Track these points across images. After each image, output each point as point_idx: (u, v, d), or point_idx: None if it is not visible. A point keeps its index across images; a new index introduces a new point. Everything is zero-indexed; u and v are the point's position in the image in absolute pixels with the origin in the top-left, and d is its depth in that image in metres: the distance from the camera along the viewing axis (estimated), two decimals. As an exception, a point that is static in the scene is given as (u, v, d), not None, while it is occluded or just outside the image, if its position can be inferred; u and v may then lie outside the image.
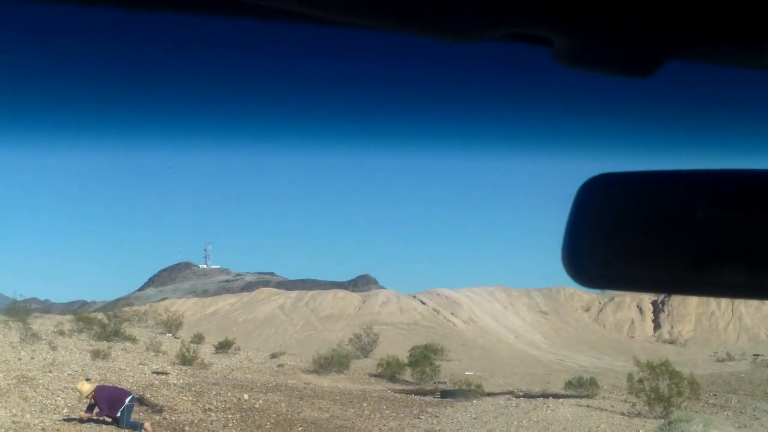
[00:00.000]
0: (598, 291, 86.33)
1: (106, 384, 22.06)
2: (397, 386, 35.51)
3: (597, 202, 1.66)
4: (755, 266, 1.53)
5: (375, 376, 38.86)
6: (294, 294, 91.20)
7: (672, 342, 72.76)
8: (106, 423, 19.94)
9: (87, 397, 19.63)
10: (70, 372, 28.24)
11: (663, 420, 23.95)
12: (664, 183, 1.66)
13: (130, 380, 26.27)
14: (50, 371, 27.87)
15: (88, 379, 21.25)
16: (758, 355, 54.37)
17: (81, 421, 19.73)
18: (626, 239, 1.67)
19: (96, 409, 19.44)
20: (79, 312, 69.16)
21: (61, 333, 43.80)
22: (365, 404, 27.60)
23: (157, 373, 31.08)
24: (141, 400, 22.40)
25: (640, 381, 28.32)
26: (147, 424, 19.87)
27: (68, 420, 20.40)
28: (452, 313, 79.23)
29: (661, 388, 27.25)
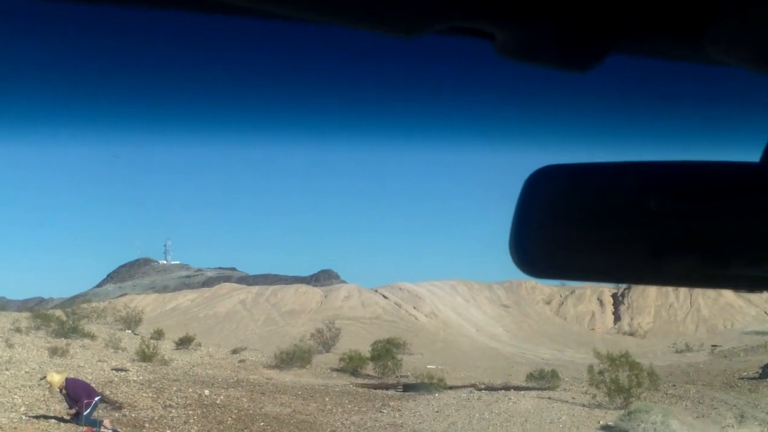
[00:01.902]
0: (549, 282, 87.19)
1: (75, 377, 21.79)
2: (360, 380, 35.50)
3: (543, 194, 1.67)
4: (706, 255, 1.54)
5: (337, 370, 38.81)
6: (255, 289, 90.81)
7: (632, 334, 73.54)
8: (64, 420, 19.70)
9: (59, 388, 19.42)
10: (27, 369, 27.88)
11: (623, 411, 24.20)
12: (608, 174, 1.67)
13: (90, 377, 25.94)
14: (7, 369, 27.50)
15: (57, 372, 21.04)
16: (716, 345, 55.18)
17: (70, 417, 19.49)
18: (571, 229, 1.67)
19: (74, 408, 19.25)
20: (36, 309, 68.21)
21: (18, 330, 43.17)
22: (327, 399, 27.55)
23: (117, 369, 30.79)
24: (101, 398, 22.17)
25: (601, 373, 28.59)
26: (106, 422, 19.64)
27: (39, 417, 20.16)
28: (414, 307, 79.38)
29: (621, 379, 27.52)
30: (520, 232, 1.64)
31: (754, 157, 1.59)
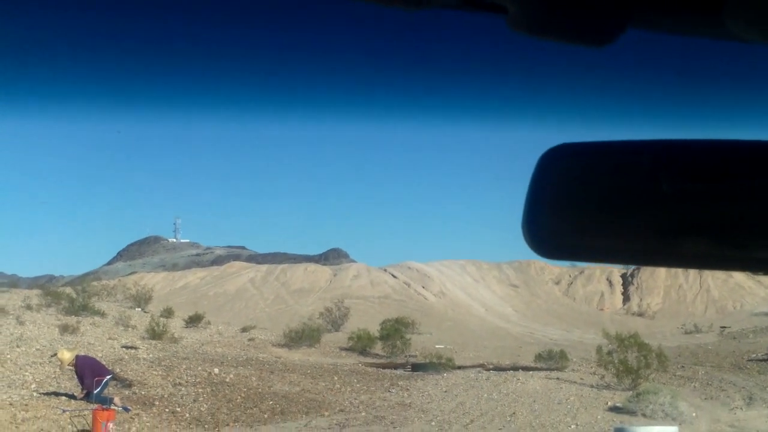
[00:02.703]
0: (559, 263, 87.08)
1: (86, 355, 21.91)
2: (368, 360, 35.61)
3: (556, 173, 1.64)
4: (719, 237, 1.52)
5: (346, 349, 38.93)
6: (264, 268, 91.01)
7: (641, 314, 73.48)
8: (75, 398, 19.82)
9: (69, 365, 19.56)
10: (38, 347, 28.04)
11: (631, 392, 24.21)
12: (624, 153, 1.65)
13: (99, 355, 26.08)
14: (18, 346, 27.66)
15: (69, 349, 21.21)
16: (725, 327, 55.03)
17: (80, 398, 19.60)
18: (585, 209, 1.65)
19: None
20: (47, 286, 68.56)
21: (29, 308, 43.40)
22: (336, 378, 27.64)
23: (127, 347, 30.95)
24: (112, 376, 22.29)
25: (609, 353, 28.60)
26: (116, 399, 19.76)
27: (50, 395, 20.29)
28: (423, 287, 79.44)
29: (630, 360, 27.51)
30: (533, 212, 1.62)
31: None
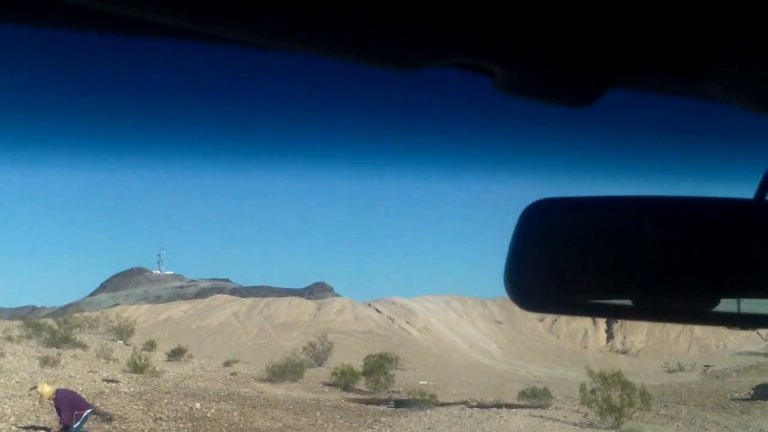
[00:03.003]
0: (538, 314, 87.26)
1: (66, 388, 21.69)
2: (351, 395, 35.39)
3: (539, 227, 1.65)
4: (698, 291, 1.54)
5: (329, 385, 38.71)
6: (249, 301, 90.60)
7: (624, 352, 73.54)
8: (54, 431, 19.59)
9: (49, 399, 19.34)
10: (17, 379, 27.76)
11: (614, 430, 24.19)
12: (605, 208, 1.66)
13: (80, 388, 25.82)
14: (-3, 378, 27.37)
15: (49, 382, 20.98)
16: (708, 366, 55.13)
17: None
18: (568, 263, 1.67)
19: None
20: (28, 317, 67.96)
21: (9, 339, 43.00)
22: (318, 413, 27.45)
23: (108, 380, 30.67)
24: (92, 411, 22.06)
25: (593, 391, 28.55)
26: (95, 434, 19.55)
27: (29, 428, 20.04)
28: (407, 322, 79.26)
29: (613, 398, 27.48)
30: (516, 265, 1.63)
31: (748, 193, 1.59)
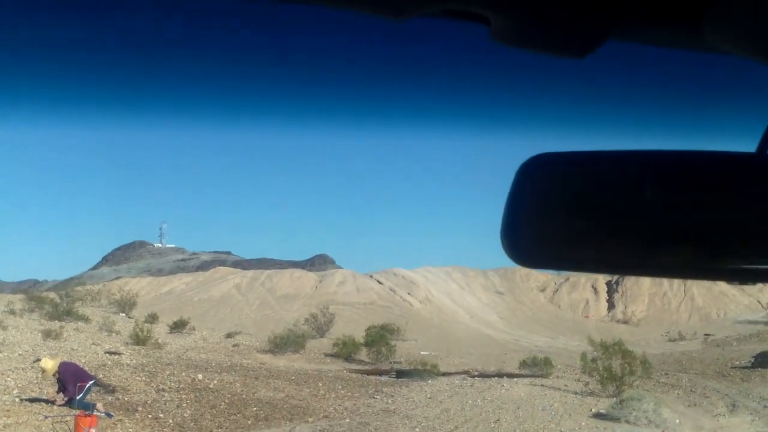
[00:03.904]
0: (543, 270, 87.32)
1: (69, 361, 21.76)
2: (353, 366, 35.55)
3: (536, 182, 1.64)
4: (699, 247, 1.52)
5: (331, 356, 38.87)
6: (250, 273, 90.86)
7: (625, 322, 73.77)
8: (64, 404, 19.69)
9: (53, 374, 19.43)
10: (20, 352, 27.87)
11: (615, 399, 24.26)
12: (603, 163, 1.65)
13: (83, 360, 25.93)
14: (0, 351, 27.47)
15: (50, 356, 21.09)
16: (709, 334, 55.32)
17: (57, 404, 19.46)
18: (564, 219, 1.65)
19: (61, 394, 19.30)
20: (30, 291, 68.22)
21: (12, 312, 43.17)
22: (320, 384, 27.58)
23: (110, 353, 30.79)
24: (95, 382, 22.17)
25: (594, 360, 28.64)
26: (99, 405, 19.64)
27: (32, 401, 20.10)
28: (409, 293, 79.50)
29: (614, 367, 27.56)
30: (512, 221, 1.62)
31: (749, 147, 1.57)
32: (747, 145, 1.57)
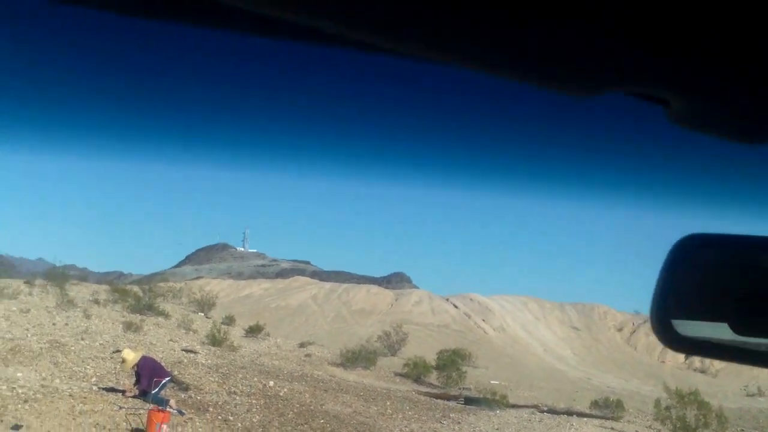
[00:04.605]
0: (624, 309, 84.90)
1: (149, 355, 22.27)
2: (422, 388, 35.47)
3: (688, 262, 1.63)
4: None
5: (401, 375, 38.85)
6: (328, 285, 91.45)
7: (703, 371, 71.78)
8: (134, 396, 20.15)
9: (132, 367, 19.92)
10: (101, 341, 28.62)
11: (686, 450, 23.70)
12: (757, 247, 1.62)
13: (160, 355, 26.52)
14: (82, 339, 28.27)
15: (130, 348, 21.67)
16: (790, 392, 53.51)
17: (126, 395, 19.97)
18: (717, 303, 1.63)
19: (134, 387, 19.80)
20: (115, 283, 70.01)
21: (96, 302, 44.34)
22: (389, 403, 27.60)
23: (187, 351, 31.37)
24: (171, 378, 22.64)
25: (667, 408, 28.00)
26: (172, 401, 20.04)
27: (109, 390, 20.63)
28: (483, 320, 78.92)
29: (688, 417, 26.90)
30: (665, 303, 1.62)
31: None
32: None
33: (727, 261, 1.63)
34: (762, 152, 1.45)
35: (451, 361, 41.06)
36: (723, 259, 1.64)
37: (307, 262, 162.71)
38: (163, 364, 22.15)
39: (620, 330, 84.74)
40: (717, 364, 73.84)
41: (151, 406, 18.53)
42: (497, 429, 25.64)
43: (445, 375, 38.32)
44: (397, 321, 63.73)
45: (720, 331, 1.63)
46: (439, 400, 31.58)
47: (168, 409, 18.80)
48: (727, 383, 62.31)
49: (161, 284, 64.27)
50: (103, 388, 20.83)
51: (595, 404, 33.68)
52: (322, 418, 22.77)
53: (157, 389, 19.58)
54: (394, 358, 46.64)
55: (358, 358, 39.20)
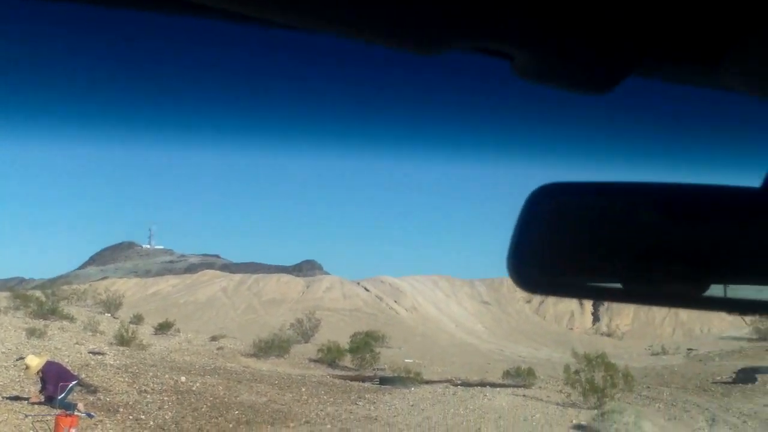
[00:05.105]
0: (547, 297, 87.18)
1: (54, 360, 21.71)
2: (337, 372, 35.56)
3: (544, 211, 1.67)
4: (704, 277, 1.57)
5: (315, 361, 38.86)
6: (237, 277, 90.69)
7: (609, 335, 73.97)
8: (39, 402, 19.66)
9: (36, 373, 19.39)
10: (3, 350, 27.79)
11: (596, 411, 24.36)
12: (610, 194, 1.68)
13: (66, 360, 25.88)
14: (-17, 348, 27.41)
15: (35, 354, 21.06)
16: (692, 349, 55.49)
17: (31, 403, 19.44)
18: (572, 247, 1.68)
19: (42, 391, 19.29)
20: (16, 289, 67.94)
21: (-3, 310, 43.03)
22: (303, 389, 27.59)
23: (94, 353, 30.73)
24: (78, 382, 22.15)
25: (576, 372, 28.75)
26: (80, 405, 19.63)
27: (13, 399, 20.04)
28: (395, 301, 79.51)
29: (596, 379, 27.67)
30: (520, 248, 1.65)
31: (755, 182, 1.61)
32: (753, 180, 1.62)
33: (582, 208, 1.69)
34: (607, 101, 1.50)
35: (365, 344, 41.25)
36: (578, 205, 1.69)
37: (217, 256, 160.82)
38: (69, 368, 21.66)
39: (529, 302, 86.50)
40: (623, 327, 76.22)
41: (59, 411, 18.11)
42: (412, 405, 25.89)
43: (359, 357, 38.48)
44: (309, 308, 63.71)
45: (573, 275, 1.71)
46: (354, 383, 31.71)
47: (76, 413, 18.41)
48: (632, 345, 64.39)
49: (65, 287, 62.83)
50: (7, 398, 20.25)
51: (507, 374, 34.33)
52: (237, 410, 22.62)
53: (63, 394, 19.14)
54: (308, 345, 46.61)
55: (271, 347, 39.04)
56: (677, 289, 1.60)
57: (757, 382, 31.73)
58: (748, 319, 72.28)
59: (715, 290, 1.61)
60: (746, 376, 32.78)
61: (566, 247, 1.69)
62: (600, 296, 1.83)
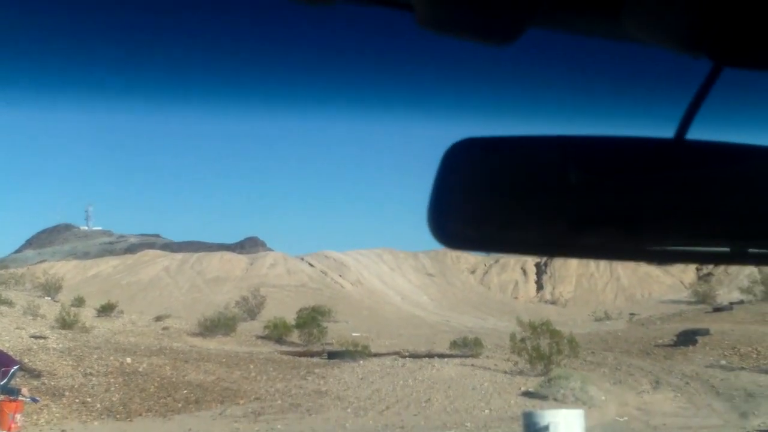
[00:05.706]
0: (469, 253, 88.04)
1: None
2: (285, 348, 35.51)
3: (461, 166, 1.66)
4: (621, 228, 1.57)
5: (262, 338, 38.74)
6: (180, 256, 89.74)
7: (553, 302, 74.98)
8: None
9: None
10: (-60, 337, 27.14)
11: (543, 377, 24.73)
12: (528, 147, 1.67)
13: (7, 345, 25.37)
14: None
15: None
16: (634, 314, 56.52)
17: None
18: (491, 201, 1.67)
19: None
20: (-49, 275, 66.34)
21: (-68, 297, 41.97)
22: (252, 366, 27.49)
23: (36, 337, 30.18)
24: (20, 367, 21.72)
25: (522, 340, 29.11)
26: (24, 390, 19.18)
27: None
28: (340, 275, 79.53)
29: (542, 346, 28.05)
30: (439, 205, 1.64)
31: (668, 133, 1.62)
32: (666, 131, 1.63)
33: (500, 160, 1.68)
34: (511, 53, 1.49)
35: (311, 319, 41.24)
36: (495, 159, 1.69)
37: (157, 235, 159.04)
38: (10, 353, 21.20)
39: (473, 272, 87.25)
40: (566, 295, 77.38)
41: (2, 397, 17.73)
42: (362, 378, 25.97)
43: (307, 333, 38.46)
44: (253, 285, 63.41)
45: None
46: (302, 358, 31.70)
47: (20, 398, 18.03)
48: (576, 312, 65.37)
49: (1, 272, 61.55)
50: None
51: (454, 344, 34.60)
52: (185, 389, 22.45)
53: (6, 380, 18.70)
54: (254, 322, 46.42)
55: (217, 325, 38.81)
56: (603, 241, 1.60)
57: (697, 344, 32.41)
58: (686, 282, 74.04)
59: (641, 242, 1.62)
60: (687, 338, 33.47)
61: (487, 201, 1.69)
62: (522, 249, 1.84)
